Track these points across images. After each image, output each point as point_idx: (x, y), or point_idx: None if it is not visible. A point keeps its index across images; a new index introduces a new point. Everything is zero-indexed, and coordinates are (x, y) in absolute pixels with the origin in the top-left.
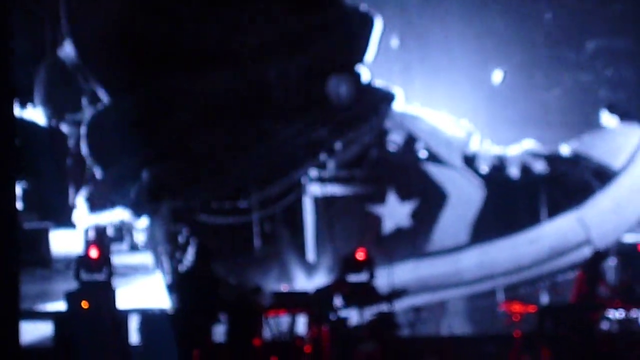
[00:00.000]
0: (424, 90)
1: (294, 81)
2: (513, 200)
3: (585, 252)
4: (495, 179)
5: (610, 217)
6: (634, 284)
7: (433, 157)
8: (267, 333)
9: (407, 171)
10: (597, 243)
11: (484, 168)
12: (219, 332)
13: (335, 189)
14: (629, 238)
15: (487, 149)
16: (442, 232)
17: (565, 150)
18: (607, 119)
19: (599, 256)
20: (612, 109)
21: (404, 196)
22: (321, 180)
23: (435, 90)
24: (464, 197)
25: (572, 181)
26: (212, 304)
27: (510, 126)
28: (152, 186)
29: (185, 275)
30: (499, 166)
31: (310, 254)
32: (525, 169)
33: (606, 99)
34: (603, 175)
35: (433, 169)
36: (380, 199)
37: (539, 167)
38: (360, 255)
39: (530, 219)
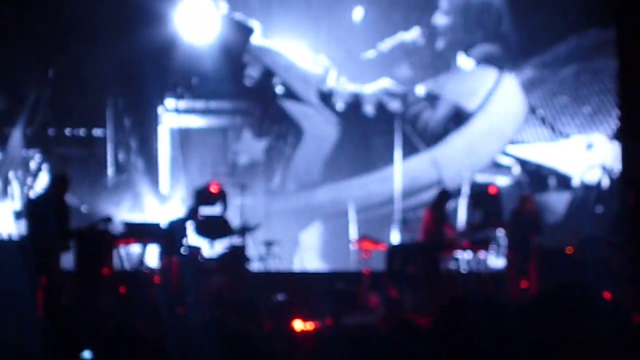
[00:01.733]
0: (283, 25)
1: None
2: (368, 138)
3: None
4: (351, 116)
5: (462, 158)
6: (482, 225)
7: (289, 93)
8: (116, 263)
9: (263, 106)
10: (448, 183)
11: (340, 105)
12: (68, 260)
13: (190, 121)
14: (481, 179)
15: (343, 86)
16: (297, 168)
17: (420, 90)
18: (464, 61)
19: (445, 196)
20: (469, 52)
21: (259, 131)
22: (177, 111)
23: (294, 26)
24: (319, 133)
25: (427, 121)
26: (62, 231)
27: (368, 64)
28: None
29: (36, 202)
30: (355, 104)
31: (164, 185)
32: (381, 108)
33: (463, 42)
34: (457, 117)
35: (289, 105)
36: (236, 132)
37: (394, 106)
38: (213, 187)
39: (384, 157)
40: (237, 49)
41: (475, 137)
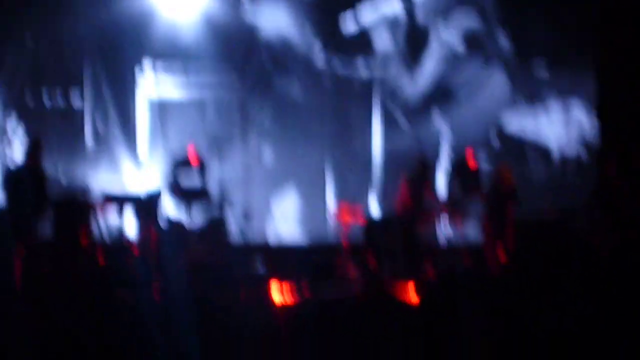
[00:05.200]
0: None
1: None
2: (348, 109)
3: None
4: (333, 87)
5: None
6: (461, 197)
7: (272, 65)
8: (95, 233)
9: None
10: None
11: (323, 76)
12: (46, 230)
13: (170, 92)
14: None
15: (326, 57)
16: (278, 139)
17: (401, 65)
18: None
19: (423, 167)
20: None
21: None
22: (156, 83)
23: None
24: (302, 105)
25: (406, 94)
26: (40, 201)
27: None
28: None
29: (13, 172)
30: (337, 75)
31: (142, 154)
32: (362, 79)
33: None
34: (438, 92)
35: (271, 77)
36: (216, 104)
37: (375, 77)
38: (192, 159)
39: (364, 129)
40: (220, 21)
41: (456, 113)
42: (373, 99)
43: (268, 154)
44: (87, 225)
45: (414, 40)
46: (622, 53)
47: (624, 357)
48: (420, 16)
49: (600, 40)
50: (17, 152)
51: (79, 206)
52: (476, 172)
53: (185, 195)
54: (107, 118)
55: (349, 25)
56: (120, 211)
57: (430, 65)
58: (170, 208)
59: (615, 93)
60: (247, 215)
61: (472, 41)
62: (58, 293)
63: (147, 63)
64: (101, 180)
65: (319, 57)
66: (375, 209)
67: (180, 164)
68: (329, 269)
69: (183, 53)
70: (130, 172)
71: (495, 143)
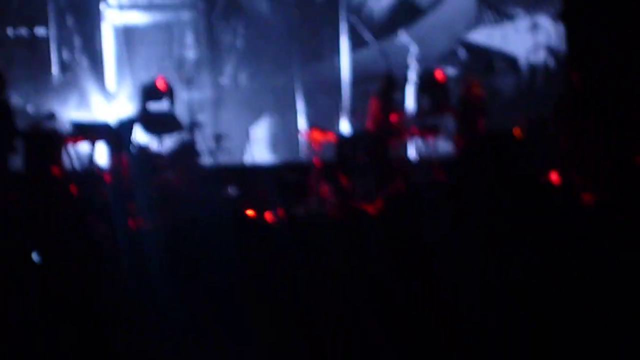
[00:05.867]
0: None
1: None
2: (315, 28)
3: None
4: (297, 5)
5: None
6: (430, 112)
7: None
8: (66, 162)
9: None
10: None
11: None
12: (17, 161)
13: (135, 17)
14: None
15: None
16: (248, 61)
17: None
18: None
19: (391, 83)
20: None
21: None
22: (120, 7)
23: None
24: (269, 24)
25: (371, 10)
26: (8, 132)
27: None
28: None
29: None
30: None
31: (110, 82)
32: None
33: None
34: (404, 9)
35: None
36: (182, 27)
37: None
38: (160, 83)
39: (332, 47)
40: None
41: (422, 27)
42: (339, 16)
43: (237, 76)
44: (58, 155)
45: None
46: None
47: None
48: None
49: None
50: None
51: (48, 135)
52: (445, 86)
53: (154, 119)
54: (72, 46)
55: None
56: (90, 140)
57: None
58: (140, 135)
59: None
60: (217, 138)
61: None
62: (31, 224)
63: None
64: (69, 108)
65: None
66: (346, 128)
67: (147, 89)
68: (302, 188)
69: None
70: (98, 99)
71: (462, 55)
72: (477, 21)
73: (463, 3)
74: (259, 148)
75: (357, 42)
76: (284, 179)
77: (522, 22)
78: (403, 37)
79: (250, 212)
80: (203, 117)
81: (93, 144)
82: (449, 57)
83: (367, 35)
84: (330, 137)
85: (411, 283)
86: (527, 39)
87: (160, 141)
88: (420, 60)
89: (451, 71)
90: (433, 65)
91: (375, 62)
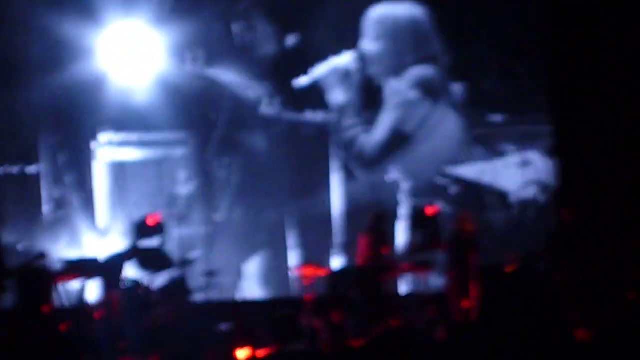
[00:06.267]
0: (219, 53)
1: None
2: (306, 164)
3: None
4: (288, 142)
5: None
6: (423, 247)
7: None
8: (56, 300)
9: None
10: (387, 206)
11: (277, 130)
12: (7, 299)
13: (126, 154)
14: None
15: (279, 111)
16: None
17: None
18: (397, 85)
19: (380, 218)
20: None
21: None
22: (111, 145)
23: (230, 53)
24: (261, 160)
25: (362, 146)
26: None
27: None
28: None
29: None
30: (292, 129)
31: (102, 220)
32: (317, 133)
33: (394, 65)
34: (393, 142)
35: (232, 133)
36: (174, 164)
37: (330, 131)
38: (151, 220)
39: (322, 183)
40: (175, 79)
41: (412, 162)
42: (330, 151)
43: (231, 212)
44: (49, 293)
45: (367, 90)
46: (577, 96)
47: None
48: (373, 67)
49: (553, 81)
50: None
51: (39, 273)
52: (436, 222)
53: (145, 256)
54: (63, 183)
55: (301, 79)
56: (81, 277)
57: (384, 115)
58: (130, 271)
59: (571, 136)
60: (209, 274)
61: (426, 89)
62: None
63: (102, 129)
64: (60, 246)
65: (274, 112)
66: (337, 262)
67: (139, 225)
68: (293, 323)
69: (138, 116)
70: (90, 236)
71: (453, 191)
72: (468, 157)
73: (453, 136)
74: (250, 284)
75: (348, 177)
76: (276, 315)
77: (513, 158)
78: (393, 172)
79: (242, 349)
80: (195, 254)
81: (84, 281)
82: (440, 192)
83: (357, 170)
84: (323, 272)
85: None
86: (518, 175)
87: (152, 278)
88: (411, 193)
89: (442, 206)
90: (424, 201)
91: (366, 196)
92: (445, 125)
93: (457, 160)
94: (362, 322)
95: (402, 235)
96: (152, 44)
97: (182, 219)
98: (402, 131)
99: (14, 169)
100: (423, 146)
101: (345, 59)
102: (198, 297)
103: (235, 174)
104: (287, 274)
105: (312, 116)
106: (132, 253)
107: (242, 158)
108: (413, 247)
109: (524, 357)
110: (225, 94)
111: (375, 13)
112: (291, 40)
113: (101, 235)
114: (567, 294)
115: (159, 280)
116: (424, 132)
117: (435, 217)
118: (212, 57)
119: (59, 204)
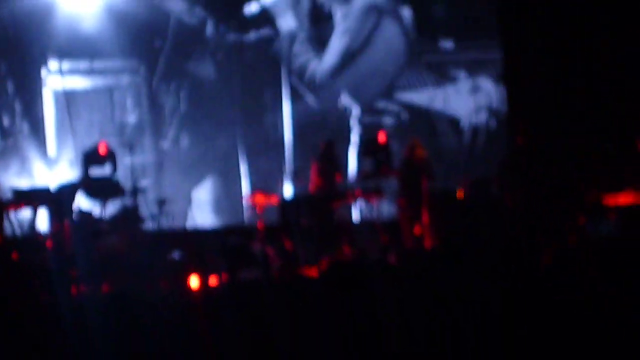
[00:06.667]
0: None
1: None
2: (255, 89)
3: None
4: (237, 67)
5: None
6: (373, 174)
7: (176, 48)
8: (7, 229)
9: (150, 63)
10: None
11: (223, 56)
12: None
13: (75, 82)
14: (370, 124)
15: (227, 36)
16: (190, 123)
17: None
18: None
19: (331, 146)
20: None
21: (148, 89)
22: (61, 73)
23: None
24: (209, 86)
25: (314, 72)
26: None
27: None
28: None
29: None
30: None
31: (51, 148)
32: (267, 57)
33: None
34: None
35: (178, 60)
36: (123, 92)
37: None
38: (101, 148)
39: (272, 107)
40: (121, 6)
41: (360, 81)
42: (281, 78)
43: (180, 139)
44: None
45: (316, 16)
46: (526, 22)
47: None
48: None
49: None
50: None
51: None
52: (387, 147)
53: (95, 185)
54: (13, 111)
55: (251, 4)
56: (32, 206)
57: (334, 40)
58: (82, 200)
59: (520, 63)
60: (161, 202)
61: (375, 13)
62: None
63: (51, 56)
64: (10, 174)
65: (224, 38)
66: (289, 190)
67: (89, 154)
68: (245, 250)
69: (87, 44)
70: (40, 165)
71: (404, 116)
72: (419, 83)
73: (392, 49)
74: (202, 210)
75: (298, 103)
76: (227, 243)
77: (464, 84)
78: (345, 99)
79: (194, 277)
80: (145, 182)
81: (34, 210)
82: (390, 117)
83: (308, 95)
84: (274, 200)
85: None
86: (469, 101)
87: (103, 206)
88: (362, 120)
89: (392, 128)
90: (375, 128)
91: (317, 122)
92: (392, 46)
93: (408, 86)
94: (314, 249)
95: (352, 161)
96: None
97: (131, 146)
98: (350, 51)
99: None
100: (369, 63)
101: None
102: (149, 225)
103: (183, 101)
104: (238, 201)
105: (256, 34)
106: (83, 181)
107: (189, 84)
108: (364, 174)
109: (479, 283)
110: (170, 20)
111: None
112: None
113: (51, 163)
114: (519, 219)
115: (110, 208)
116: (370, 48)
117: (386, 144)
118: None
119: (9, 132)
